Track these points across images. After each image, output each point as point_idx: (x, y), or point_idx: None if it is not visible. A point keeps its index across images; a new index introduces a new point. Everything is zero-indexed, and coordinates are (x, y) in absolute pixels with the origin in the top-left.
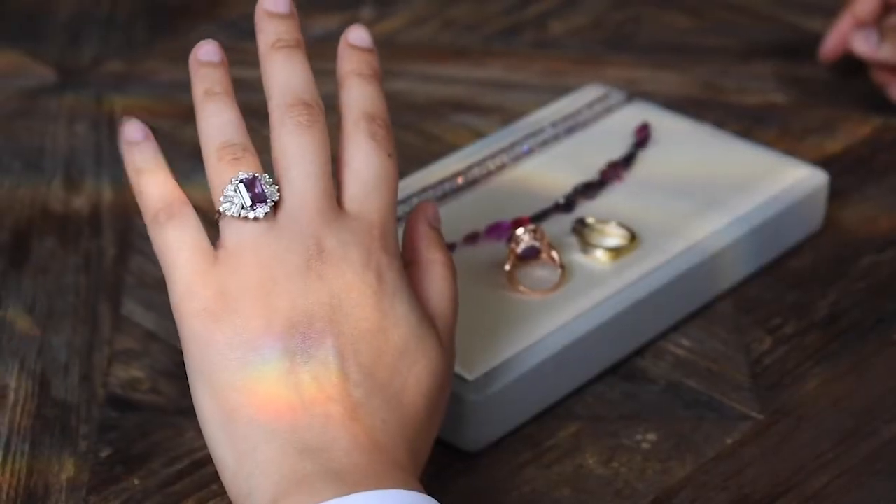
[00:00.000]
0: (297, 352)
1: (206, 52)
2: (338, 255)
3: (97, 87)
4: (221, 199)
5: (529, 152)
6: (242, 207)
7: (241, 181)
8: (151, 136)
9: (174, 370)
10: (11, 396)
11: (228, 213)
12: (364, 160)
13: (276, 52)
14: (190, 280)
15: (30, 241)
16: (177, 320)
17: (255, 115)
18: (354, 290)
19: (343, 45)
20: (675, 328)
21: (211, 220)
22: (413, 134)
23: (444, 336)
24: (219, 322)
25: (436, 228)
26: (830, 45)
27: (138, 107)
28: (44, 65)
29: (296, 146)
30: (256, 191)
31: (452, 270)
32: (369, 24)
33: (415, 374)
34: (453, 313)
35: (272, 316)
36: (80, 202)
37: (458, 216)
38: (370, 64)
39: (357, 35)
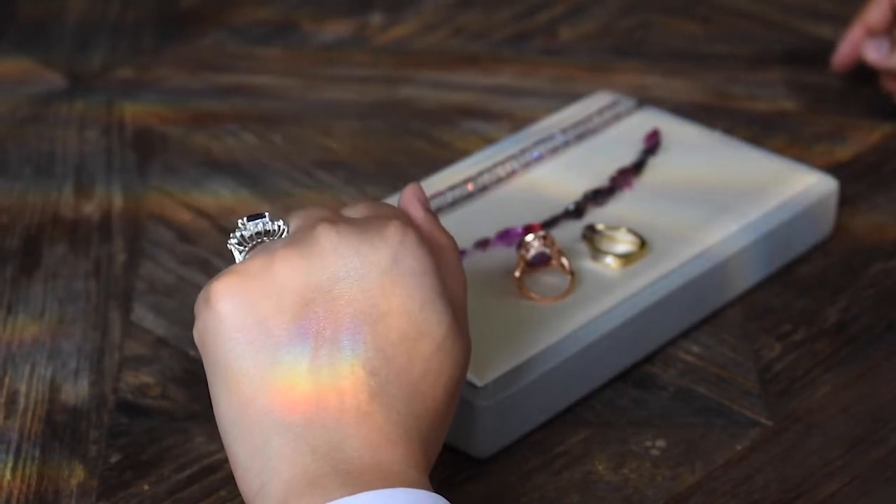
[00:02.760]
0: (311, 335)
1: None
2: (355, 231)
3: (107, 94)
4: (231, 240)
5: (539, 159)
6: (245, 227)
7: (242, 218)
8: None
9: (184, 376)
10: (22, 402)
11: (233, 241)
12: (363, 211)
13: None
14: (214, 283)
15: (40, 246)
16: (196, 316)
17: (262, 119)
18: (374, 265)
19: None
20: (684, 335)
21: (224, 231)
22: (423, 140)
23: (461, 321)
24: (231, 300)
25: (432, 212)
26: (842, 54)
27: (148, 113)
28: (54, 71)
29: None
30: (256, 215)
31: (458, 253)
32: (379, 31)
33: (434, 363)
34: (466, 297)
35: (284, 294)
36: (91, 208)
37: (468, 223)
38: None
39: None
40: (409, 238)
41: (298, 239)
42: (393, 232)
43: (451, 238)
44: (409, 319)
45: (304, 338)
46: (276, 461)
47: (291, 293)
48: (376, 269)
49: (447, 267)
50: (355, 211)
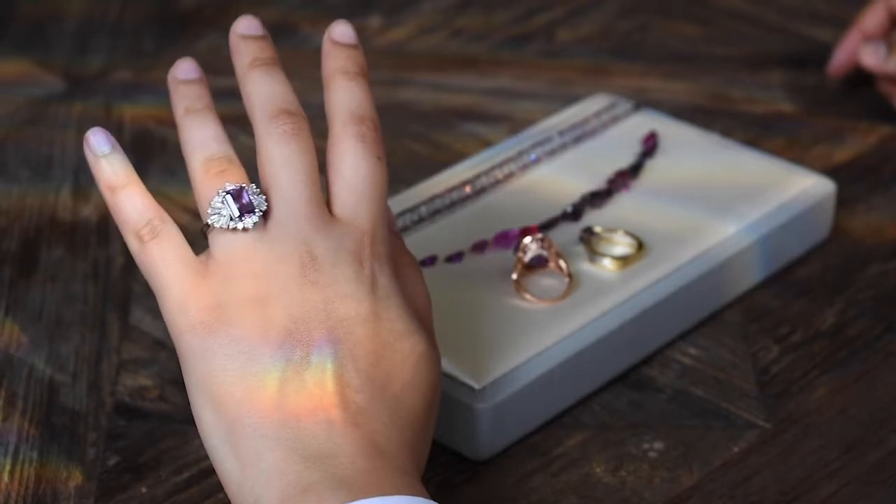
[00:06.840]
0: (295, 359)
1: (184, 70)
2: (330, 263)
3: (106, 96)
4: (209, 211)
5: (537, 161)
6: (231, 219)
7: (227, 192)
8: (119, 147)
9: (182, 379)
10: (20, 404)
11: (217, 225)
12: (353, 165)
13: (254, 69)
14: (182, 296)
15: (38, 249)
16: (172, 336)
17: None
18: (348, 296)
19: (327, 43)
20: (682, 337)
21: (198, 232)
22: (421, 143)
23: (428, 334)
24: (215, 335)
25: (398, 234)
26: (838, 61)
27: (146, 115)
28: (52, 73)
29: (282, 155)
30: (244, 201)
31: (420, 271)
32: (377, 33)
33: (411, 376)
34: (430, 312)
35: (269, 327)
36: (89, 210)
37: (466, 225)
38: (356, 61)
39: (341, 31)
40: (384, 274)
41: (283, 263)
42: (368, 273)
43: (413, 257)
44: (381, 342)
45: (289, 363)
46: (269, 473)
47: (277, 326)
48: (354, 304)
49: (411, 287)
50: (339, 161)
